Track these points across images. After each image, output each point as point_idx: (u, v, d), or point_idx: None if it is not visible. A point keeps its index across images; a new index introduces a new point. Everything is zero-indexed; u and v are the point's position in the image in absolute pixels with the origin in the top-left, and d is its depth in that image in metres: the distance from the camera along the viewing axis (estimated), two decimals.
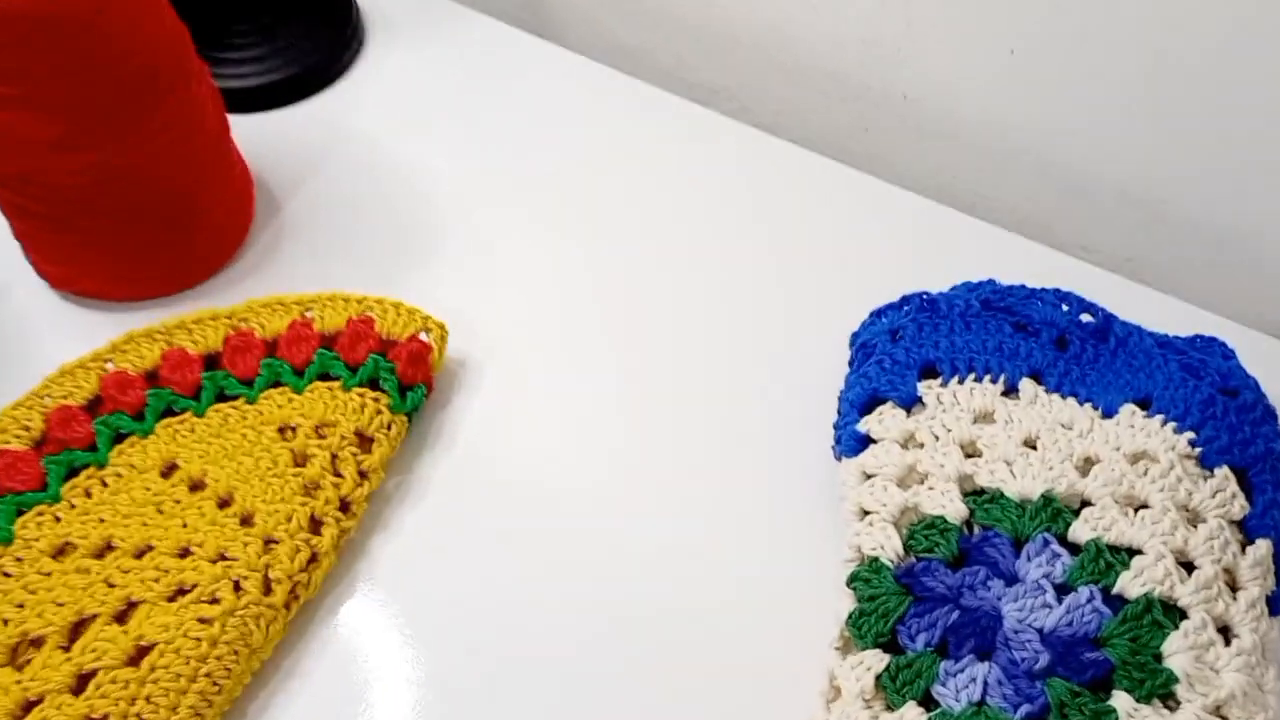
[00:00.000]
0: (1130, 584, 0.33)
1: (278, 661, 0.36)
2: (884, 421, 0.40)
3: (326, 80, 0.54)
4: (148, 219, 0.41)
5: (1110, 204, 0.54)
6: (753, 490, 0.41)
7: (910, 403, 0.41)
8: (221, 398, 0.39)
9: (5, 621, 0.33)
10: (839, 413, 0.43)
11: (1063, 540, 0.35)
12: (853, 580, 0.35)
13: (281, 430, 0.38)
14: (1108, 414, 0.40)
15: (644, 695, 0.36)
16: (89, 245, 0.41)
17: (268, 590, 0.35)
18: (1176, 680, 0.31)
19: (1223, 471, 0.37)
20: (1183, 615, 0.33)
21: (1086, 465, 0.38)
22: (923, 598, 0.34)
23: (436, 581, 0.38)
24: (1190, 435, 0.38)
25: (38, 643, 0.33)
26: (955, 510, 0.36)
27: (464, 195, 0.50)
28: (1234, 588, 0.35)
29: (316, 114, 0.53)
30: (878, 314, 0.46)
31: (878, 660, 0.33)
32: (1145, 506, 0.36)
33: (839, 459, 0.41)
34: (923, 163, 0.57)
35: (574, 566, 0.39)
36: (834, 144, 0.59)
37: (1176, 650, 0.32)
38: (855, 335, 0.46)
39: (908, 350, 0.43)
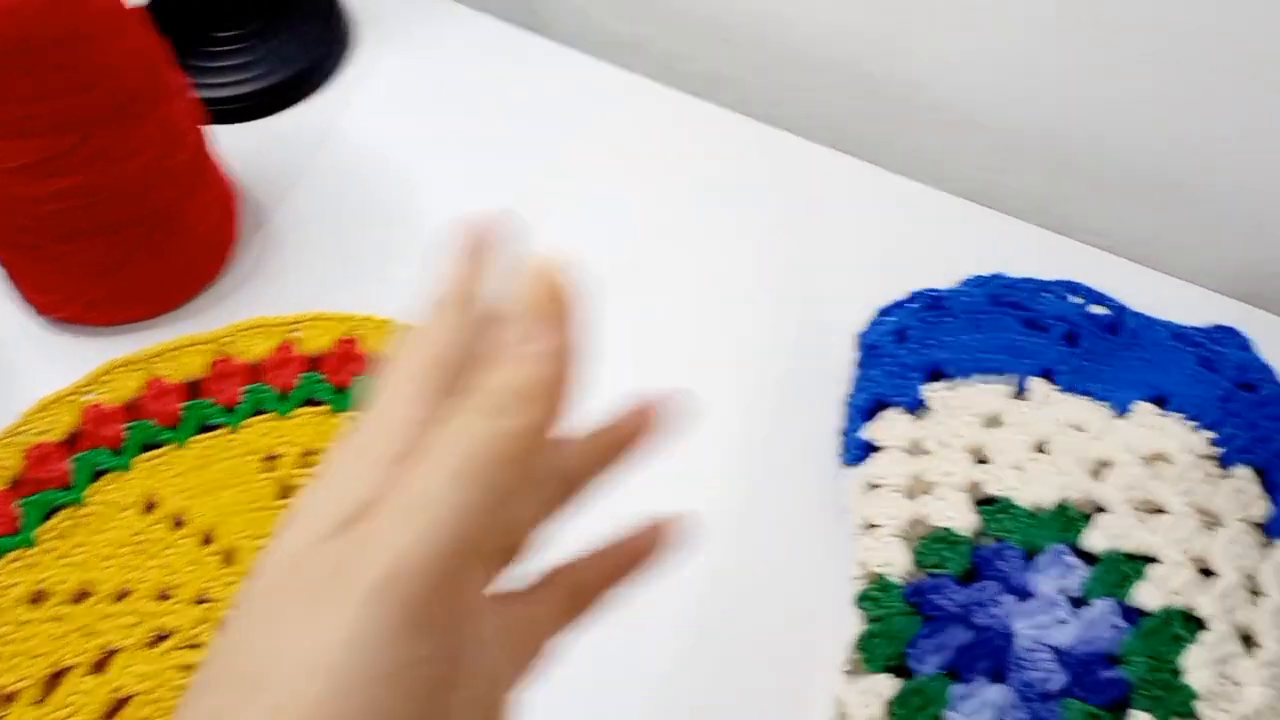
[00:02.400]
0: (1148, 595, 0.32)
1: None
2: (889, 428, 0.39)
3: (314, 85, 0.53)
4: (127, 241, 0.40)
5: (1123, 187, 0.52)
6: (757, 500, 0.40)
7: (916, 407, 0.40)
8: (205, 428, 0.38)
9: None
10: (845, 418, 0.42)
11: (1078, 550, 0.34)
12: (861, 600, 0.34)
13: (267, 459, 0.37)
14: (1121, 412, 0.39)
15: None
16: (69, 271, 0.40)
17: None
18: (1197, 696, 0.30)
19: (1243, 471, 0.36)
20: (1203, 626, 0.32)
21: (1100, 469, 0.36)
22: (933, 617, 0.33)
23: None
24: (1209, 434, 0.37)
25: (12, 698, 0.33)
26: (965, 521, 0.35)
27: (460, 199, 0.49)
28: (1257, 594, 0.34)
29: (305, 120, 0.52)
30: (884, 312, 0.45)
31: (888, 686, 0.32)
32: (1163, 511, 0.35)
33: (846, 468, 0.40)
34: (926, 150, 0.56)
35: None
36: (835, 133, 0.57)
37: (1197, 665, 0.31)
38: (862, 335, 0.44)
39: (913, 351, 0.42)
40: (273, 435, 0.38)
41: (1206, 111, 0.47)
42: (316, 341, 0.40)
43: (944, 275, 0.45)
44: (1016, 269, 0.45)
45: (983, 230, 0.49)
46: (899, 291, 0.45)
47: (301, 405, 0.38)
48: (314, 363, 0.40)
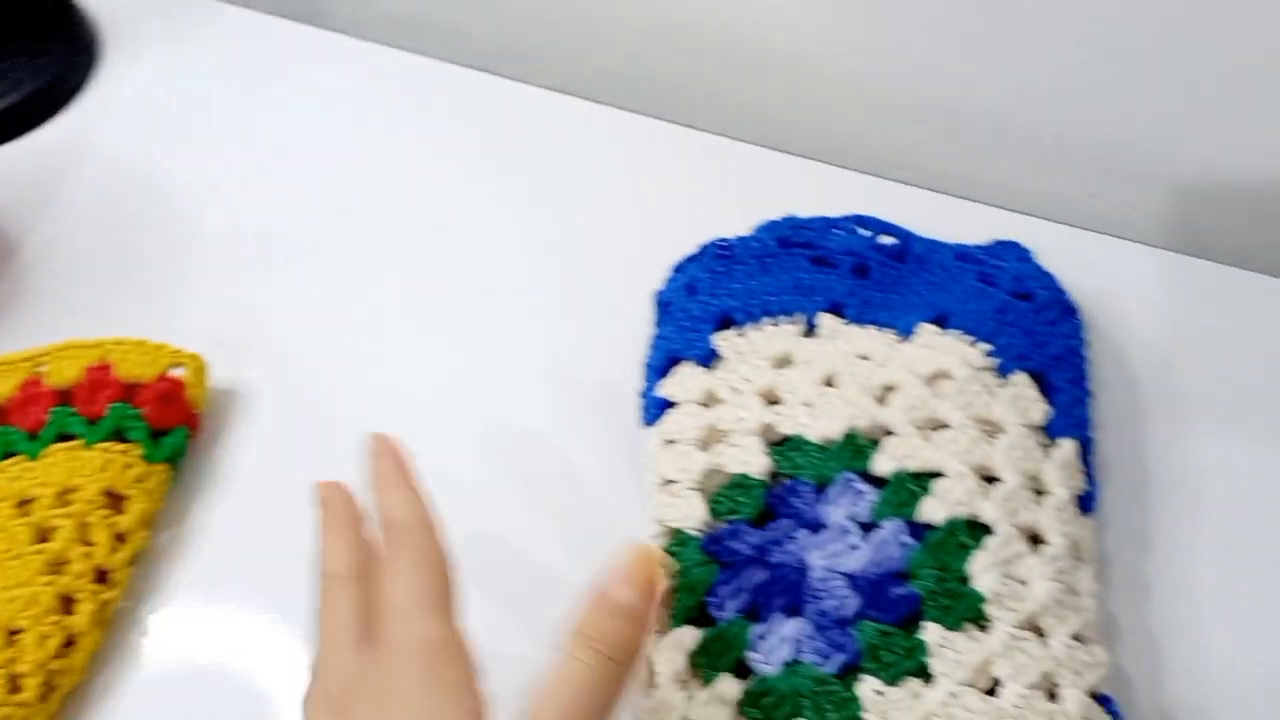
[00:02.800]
0: (933, 509, 0.32)
1: None
2: (682, 382, 0.39)
3: (58, 102, 0.49)
4: None
5: (908, 115, 0.53)
6: (564, 470, 0.39)
7: (708, 359, 0.39)
8: None
9: None
10: (644, 379, 0.41)
11: (867, 476, 0.34)
12: None
13: (20, 505, 0.34)
14: (906, 336, 0.39)
15: None
16: None
17: (15, 688, 0.31)
18: (984, 600, 0.31)
19: (1020, 378, 0.37)
20: (989, 532, 0.32)
21: (886, 394, 0.37)
22: (730, 564, 0.32)
23: (223, 642, 0.35)
24: (986, 346, 0.38)
25: None
26: (758, 465, 0.35)
27: (230, 207, 0.46)
28: (1041, 493, 0.34)
29: (52, 142, 0.49)
30: (679, 268, 0.44)
31: (689, 637, 0.31)
32: (946, 427, 0.35)
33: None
34: (710, 97, 0.55)
35: None
36: (630, 93, 0.56)
37: (982, 569, 0.31)
38: (658, 294, 0.44)
39: (702, 303, 0.41)
40: (25, 479, 0.35)
41: (995, 36, 0.48)
42: (65, 373, 0.37)
43: (745, 223, 0.45)
44: (815, 209, 0.45)
45: (780, 176, 0.49)
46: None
47: (53, 442, 0.35)
48: (64, 395, 0.37)
